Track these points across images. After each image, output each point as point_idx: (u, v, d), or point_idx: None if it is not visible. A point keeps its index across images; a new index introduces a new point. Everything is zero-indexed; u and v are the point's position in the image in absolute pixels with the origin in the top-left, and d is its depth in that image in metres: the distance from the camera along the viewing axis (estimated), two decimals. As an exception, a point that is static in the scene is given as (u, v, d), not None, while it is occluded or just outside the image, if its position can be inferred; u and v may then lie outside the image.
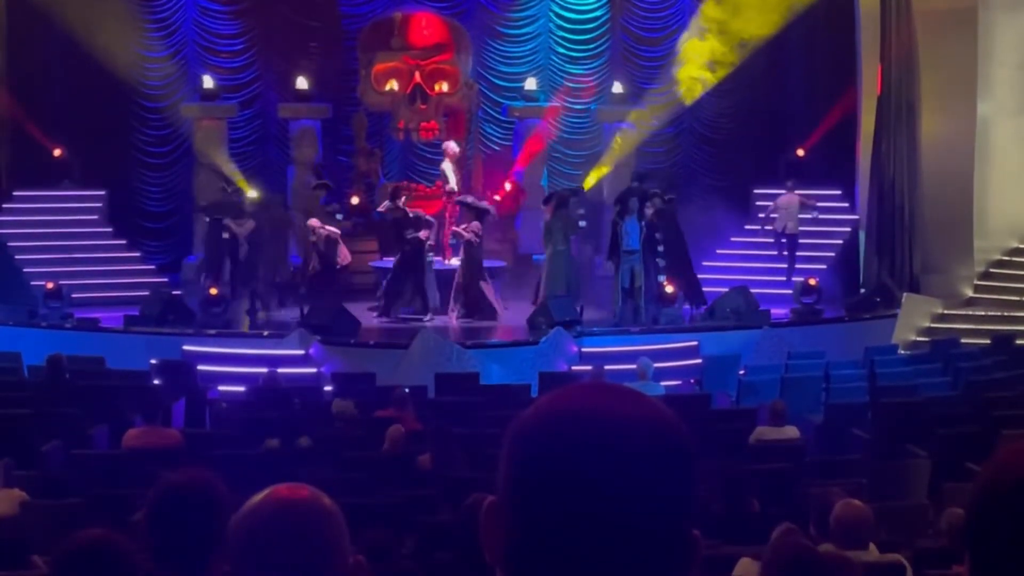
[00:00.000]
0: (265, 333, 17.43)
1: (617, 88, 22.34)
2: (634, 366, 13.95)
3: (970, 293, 19.26)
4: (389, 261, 18.86)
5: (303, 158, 21.70)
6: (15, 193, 21.06)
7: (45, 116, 21.65)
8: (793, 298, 18.90)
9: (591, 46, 23.21)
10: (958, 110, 19.31)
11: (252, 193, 19.79)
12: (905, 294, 18.65)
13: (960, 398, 13.34)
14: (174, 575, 2.96)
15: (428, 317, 17.88)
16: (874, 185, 19.79)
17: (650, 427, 1.44)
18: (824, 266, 20.57)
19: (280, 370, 14.95)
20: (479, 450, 10.19)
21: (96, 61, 20.43)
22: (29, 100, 21.49)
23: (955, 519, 6.88)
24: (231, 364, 15.94)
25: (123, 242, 21.35)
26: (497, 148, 22.78)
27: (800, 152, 22.25)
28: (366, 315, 18.01)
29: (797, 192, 20.51)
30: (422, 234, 18.14)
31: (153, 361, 15.46)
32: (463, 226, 18.35)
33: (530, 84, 22.26)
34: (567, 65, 23.19)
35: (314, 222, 18.62)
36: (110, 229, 21.43)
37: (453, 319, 18.03)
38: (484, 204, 19.02)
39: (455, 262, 18.65)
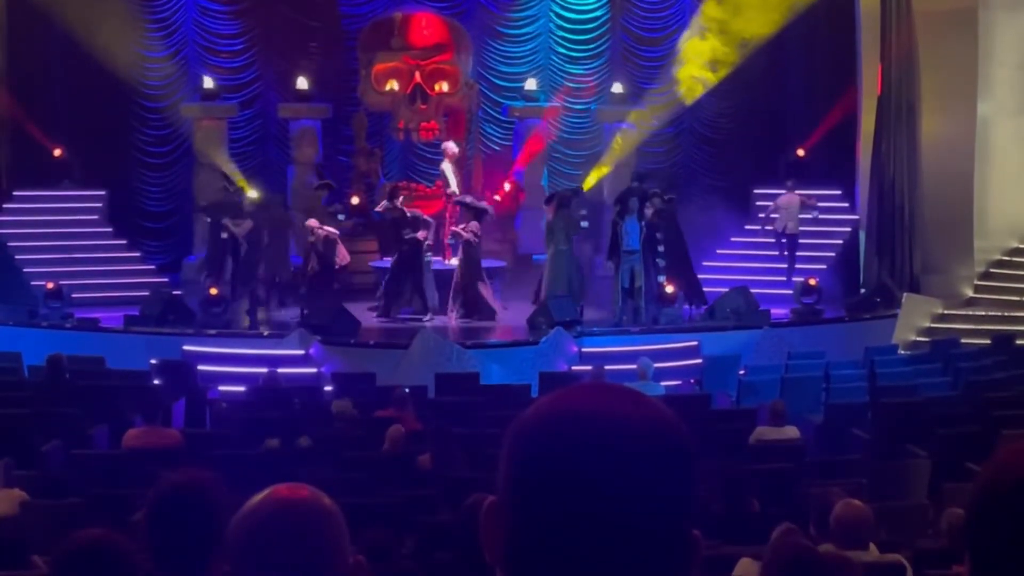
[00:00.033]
0: (265, 333, 17.44)
1: (617, 88, 22.34)
2: (634, 366, 13.95)
3: (970, 293, 19.26)
4: (388, 261, 18.87)
5: (303, 158, 21.71)
6: (15, 193, 21.05)
7: (45, 116, 21.65)
8: (793, 298, 18.90)
9: (591, 46, 23.21)
10: (958, 110, 19.31)
11: (252, 193, 19.79)
12: (905, 294, 18.65)
13: (960, 398, 13.34)
14: (174, 575, 2.96)
15: (428, 317, 17.88)
16: (874, 185, 19.79)
17: (650, 427, 1.44)
18: (824, 266, 20.57)
19: (280, 370, 14.95)
20: (479, 450, 10.19)
21: (96, 61, 20.42)
22: (29, 100, 21.49)
23: (955, 519, 6.88)
24: (231, 364, 15.94)
25: (123, 242, 21.35)
26: (497, 148, 22.78)
27: (800, 152, 22.26)
28: (366, 315, 18.00)
29: (797, 192, 20.51)
30: (420, 234, 18.14)
31: (153, 361, 15.46)
32: (461, 226, 18.35)
33: (530, 84, 22.26)
34: (567, 65, 23.19)
35: (312, 222, 18.62)
36: (110, 229, 21.43)
37: (452, 319, 18.03)
38: (482, 204, 19.02)
39: (455, 262, 18.65)
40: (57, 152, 21.40)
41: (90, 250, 20.59)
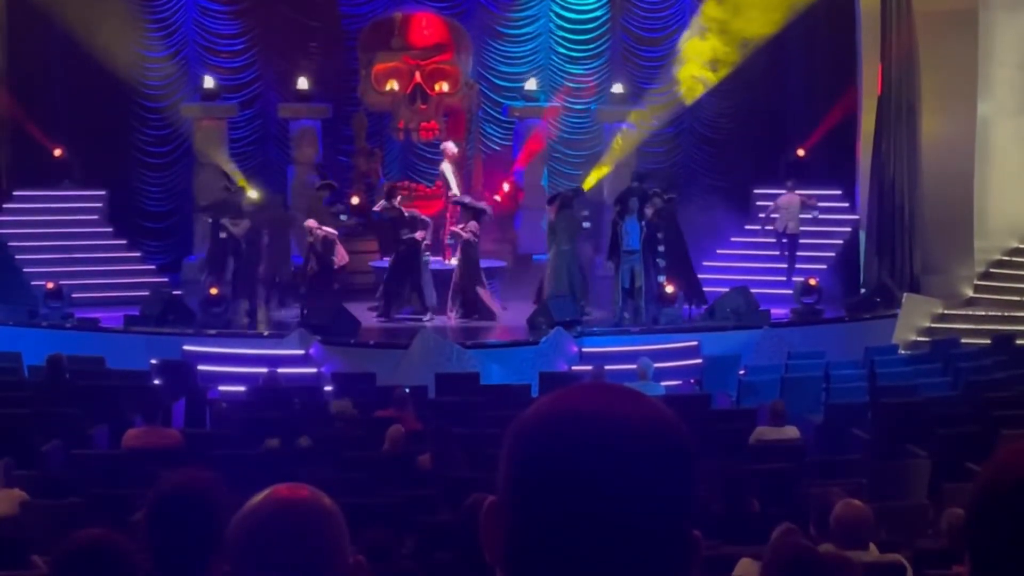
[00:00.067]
0: (265, 333, 17.44)
1: (617, 88, 22.34)
2: (634, 366, 13.95)
3: (970, 293, 19.26)
4: (388, 261, 18.87)
5: (303, 158, 21.71)
6: (15, 193, 21.06)
7: (45, 116, 21.65)
8: (793, 298, 18.90)
9: (591, 46, 23.20)
10: (958, 110, 19.31)
11: (253, 193, 19.79)
12: (905, 294, 18.65)
13: (960, 398, 13.34)
14: (174, 575, 2.96)
15: (428, 317, 17.88)
16: (874, 185, 19.79)
17: (650, 427, 1.44)
18: (824, 266, 20.57)
19: (280, 370, 14.96)
20: (479, 450, 10.19)
21: (96, 61, 20.43)
22: (29, 100, 21.49)
23: (955, 519, 6.88)
24: (231, 364, 15.95)
25: (123, 242, 21.35)
26: (497, 148, 22.77)
27: (800, 152, 22.26)
28: (366, 315, 18.00)
29: (797, 192, 20.51)
30: (418, 234, 18.14)
31: (153, 361, 15.46)
32: (460, 226, 18.35)
33: (530, 84, 22.26)
34: (567, 65, 23.19)
35: (311, 223, 18.61)
36: (110, 229, 21.43)
37: (452, 319, 18.03)
38: (481, 204, 19.02)
39: (454, 262, 18.65)
40: (57, 152, 21.40)
41: (90, 250, 20.60)
